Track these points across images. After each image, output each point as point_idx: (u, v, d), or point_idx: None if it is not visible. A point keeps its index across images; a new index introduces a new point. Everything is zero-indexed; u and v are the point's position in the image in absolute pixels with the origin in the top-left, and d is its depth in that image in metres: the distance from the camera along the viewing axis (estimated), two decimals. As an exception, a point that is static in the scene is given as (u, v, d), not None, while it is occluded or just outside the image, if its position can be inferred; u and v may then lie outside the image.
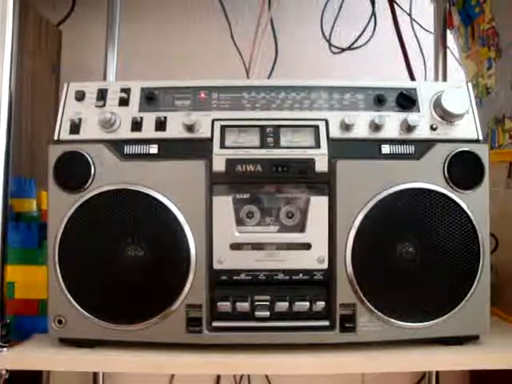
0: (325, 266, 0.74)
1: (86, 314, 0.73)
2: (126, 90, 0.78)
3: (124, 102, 0.77)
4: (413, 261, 0.73)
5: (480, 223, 0.74)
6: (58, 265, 0.73)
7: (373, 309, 0.72)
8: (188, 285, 0.72)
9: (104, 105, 0.77)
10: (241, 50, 1.26)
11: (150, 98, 0.77)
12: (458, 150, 0.74)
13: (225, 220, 0.74)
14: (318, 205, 0.74)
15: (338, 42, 1.32)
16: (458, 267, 0.73)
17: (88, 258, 0.73)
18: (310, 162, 0.74)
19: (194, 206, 0.73)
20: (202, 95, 0.78)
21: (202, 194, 0.73)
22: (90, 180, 0.73)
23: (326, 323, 0.73)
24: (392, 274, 0.73)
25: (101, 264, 0.73)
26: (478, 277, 0.74)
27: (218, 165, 0.74)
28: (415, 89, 0.78)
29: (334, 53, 1.32)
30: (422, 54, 1.27)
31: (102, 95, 0.77)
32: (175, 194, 0.73)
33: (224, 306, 0.73)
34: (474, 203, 0.74)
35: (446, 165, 0.74)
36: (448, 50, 1.26)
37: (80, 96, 0.77)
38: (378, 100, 0.77)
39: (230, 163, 0.74)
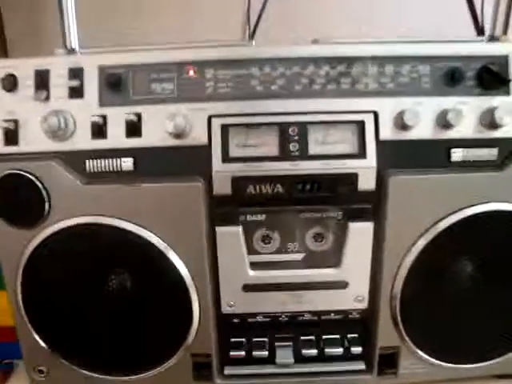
0: (364, 305, 0.58)
1: (70, 365, 0.59)
2: (77, 72, 0.52)
3: (76, 93, 0.52)
4: (474, 298, 0.57)
5: None
6: (24, 313, 0.57)
7: (419, 352, 0.59)
8: (192, 334, 0.57)
9: (48, 97, 0.52)
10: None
11: (114, 84, 0.52)
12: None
13: (233, 256, 0.56)
14: (360, 233, 0.55)
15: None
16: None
17: (60, 305, 0.57)
18: (352, 178, 0.52)
19: (191, 242, 0.54)
20: (191, 73, 0.53)
21: (200, 224, 0.54)
22: (45, 212, 0.53)
23: (362, 366, 0.60)
24: (448, 313, 0.57)
25: (79, 311, 0.57)
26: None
27: (221, 186, 0.52)
28: (507, 57, 0.53)
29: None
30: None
31: (42, 81, 0.52)
32: (164, 228, 0.54)
33: (237, 354, 0.59)
34: None
35: (541, 177, 0.53)
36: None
37: (10, 84, 0.52)
38: (452, 77, 0.52)
39: (238, 183, 0.52)
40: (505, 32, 0.60)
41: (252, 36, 0.80)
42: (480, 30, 0.66)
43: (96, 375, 0.59)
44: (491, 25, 0.61)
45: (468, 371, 0.60)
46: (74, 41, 0.60)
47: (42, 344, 0.58)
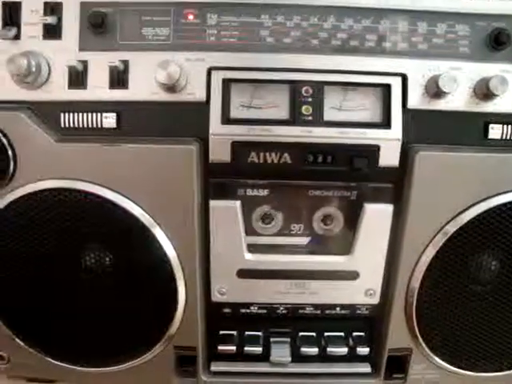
0: (374, 300, 0.51)
1: (35, 352, 0.51)
2: (55, 8, 0.44)
3: (52, 32, 0.44)
4: (501, 299, 0.50)
5: None
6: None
7: (434, 356, 0.52)
8: (175, 323, 0.50)
9: (18, 36, 0.44)
10: None
11: (98, 25, 0.44)
12: None
13: (228, 236, 0.48)
14: (377, 216, 0.48)
15: None
16: None
17: (24, 283, 0.49)
18: (372, 151, 0.45)
19: (180, 217, 0.47)
20: (190, 17, 0.45)
21: (191, 196, 0.46)
22: (9, 173, 0.45)
23: (368, 369, 0.53)
24: (470, 314, 0.50)
25: (47, 290, 0.49)
26: None
27: (219, 151, 0.45)
28: (561, 18, 0.45)
29: None
30: None
31: (9, 15, 0.44)
32: (149, 198, 0.46)
33: (227, 349, 0.52)
34: None
35: None
36: None
37: (-28, 17, 0.43)
38: (496, 40, 0.45)
39: (239, 149, 0.45)
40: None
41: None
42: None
43: (64, 365, 0.52)
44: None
45: (486, 380, 0.54)
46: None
47: (3, 327, 0.50)
